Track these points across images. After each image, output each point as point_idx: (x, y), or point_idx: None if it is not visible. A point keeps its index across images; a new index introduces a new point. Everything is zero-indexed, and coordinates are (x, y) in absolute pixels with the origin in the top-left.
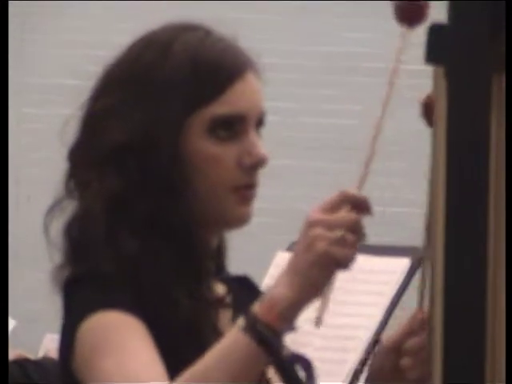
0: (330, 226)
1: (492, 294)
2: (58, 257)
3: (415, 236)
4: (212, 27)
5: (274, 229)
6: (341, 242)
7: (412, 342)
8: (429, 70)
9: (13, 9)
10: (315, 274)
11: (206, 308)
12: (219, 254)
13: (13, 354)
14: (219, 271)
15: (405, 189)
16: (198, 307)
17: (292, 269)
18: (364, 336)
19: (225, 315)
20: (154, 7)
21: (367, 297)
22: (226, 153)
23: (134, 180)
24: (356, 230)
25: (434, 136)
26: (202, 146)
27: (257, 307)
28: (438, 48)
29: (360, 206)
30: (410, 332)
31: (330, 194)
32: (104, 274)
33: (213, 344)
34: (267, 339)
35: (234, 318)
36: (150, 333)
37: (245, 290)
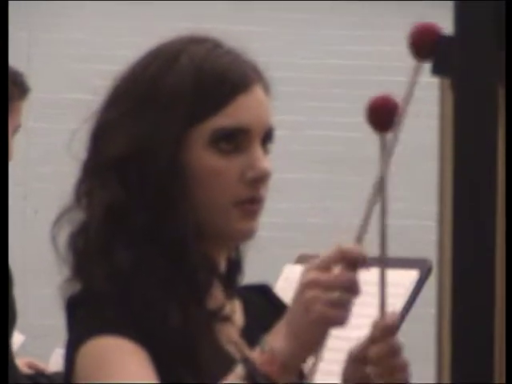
0: (326, 287)
1: (500, 300)
2: (65, 270)
3: (423, 248)
4: (220, 40)
5: (283, 242)
6: (337, 303)
7: (375, 350)
8: (434, 81)
9: (19, 24)
10: (311, 334)
11: (202, 323)
12: (232, 266)
13: (22, 362)
14: (230, 284)
15: (411, 201)
16: (192, 323)
17: (290, 327)
18: None
19: (228, 328)
20: (161, 20)
21: (376, 310)
22: (228, 166)
23: (134, 191)
24: (352, 289)
25: (442, 147)
26: (204, 158)
27: (257, 357)
28: (445, 60)
29: (357, 262)
30: (372, 340)
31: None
32: (100, 293)
33: (211, 361)
34: None
35: (246, 329)
36: (147, 355)
37: (262, 299)
